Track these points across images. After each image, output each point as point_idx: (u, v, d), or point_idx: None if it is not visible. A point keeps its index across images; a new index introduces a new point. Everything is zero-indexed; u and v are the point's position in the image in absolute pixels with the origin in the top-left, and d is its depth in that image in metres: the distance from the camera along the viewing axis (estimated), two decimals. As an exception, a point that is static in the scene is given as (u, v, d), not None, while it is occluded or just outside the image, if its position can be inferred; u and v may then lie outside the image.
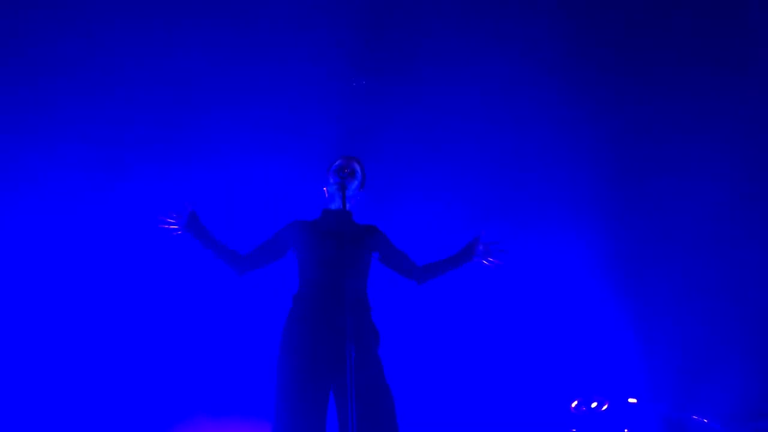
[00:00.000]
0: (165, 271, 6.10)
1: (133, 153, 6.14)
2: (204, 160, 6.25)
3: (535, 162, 6.51)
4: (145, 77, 6.11)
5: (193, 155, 6.23)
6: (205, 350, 6.09)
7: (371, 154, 4.99)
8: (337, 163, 4.37)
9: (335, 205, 4.34)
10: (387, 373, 4.13)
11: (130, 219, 6.10)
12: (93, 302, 6.01)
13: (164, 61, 6.10)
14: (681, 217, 6.36)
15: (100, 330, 6.00)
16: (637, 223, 6.45)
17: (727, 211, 6.29)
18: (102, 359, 5.94)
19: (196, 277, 6.10)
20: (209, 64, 6.11)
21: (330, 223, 4.31)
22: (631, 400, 6.07)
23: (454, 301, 6.30)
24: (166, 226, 4.19)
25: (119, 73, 6.08)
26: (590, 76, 6.34)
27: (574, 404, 6.16)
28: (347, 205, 4.24)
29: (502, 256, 4.33)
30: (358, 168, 4.38)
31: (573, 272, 6.43)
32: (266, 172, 6.25)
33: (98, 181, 6.10)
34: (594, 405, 6.12)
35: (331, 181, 4.32)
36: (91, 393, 5.88)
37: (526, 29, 6.26)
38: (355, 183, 4.32)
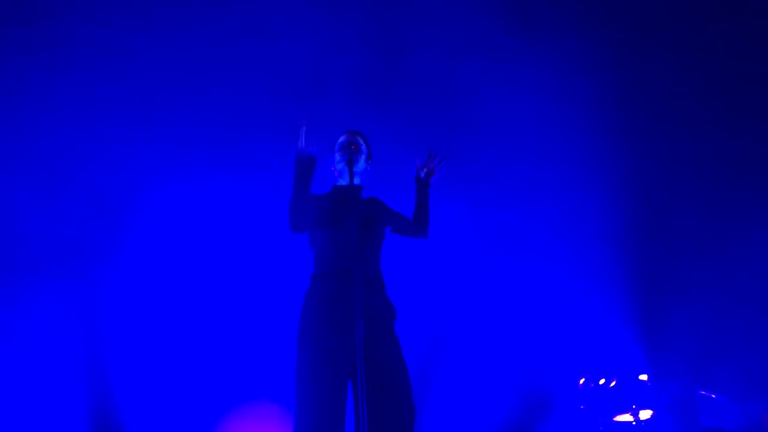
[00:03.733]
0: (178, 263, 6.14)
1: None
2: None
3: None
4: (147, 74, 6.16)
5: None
6: (230, 334, 6.11)
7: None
8: (341, 139, 4.38)
9: (344, 181, 4.33)
10: (404, 349, 4.15)
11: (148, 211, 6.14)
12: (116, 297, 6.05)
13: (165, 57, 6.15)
14: (687, 195, 6.42)
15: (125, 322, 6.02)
16: (647, 201, 6.48)
17: (736, 190, 6.36)
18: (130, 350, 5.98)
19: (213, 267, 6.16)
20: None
21: (341, 200, 4.29)
22: (642, 377, 6.08)
23: (465, 278, 6.35)
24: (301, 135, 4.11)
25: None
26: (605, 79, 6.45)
27: (581, 381, 6.17)
28: (356, 180, 4.27)
29: (442, 166, 4.45)
30: (362, 142, 4.40)
31: (584, 250, 6.46)
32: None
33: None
34: (602, 382, 6.13)
35: (338, 158, 4.35)
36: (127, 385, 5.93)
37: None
38: (362, 157, 4.35)
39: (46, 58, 6.09)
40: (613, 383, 6.12)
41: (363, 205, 4.34)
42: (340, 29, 6.37)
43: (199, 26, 6.26)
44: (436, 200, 4.57)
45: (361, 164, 4.33)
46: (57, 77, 6.08)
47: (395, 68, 6.50)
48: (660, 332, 6.33)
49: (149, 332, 5.99)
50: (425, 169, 4.47)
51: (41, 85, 6.07)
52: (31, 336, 5.87)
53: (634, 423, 5.92)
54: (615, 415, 6.02)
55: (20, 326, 5.87)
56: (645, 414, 5.94)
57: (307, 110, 6.12)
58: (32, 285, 5.93)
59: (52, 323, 5.90)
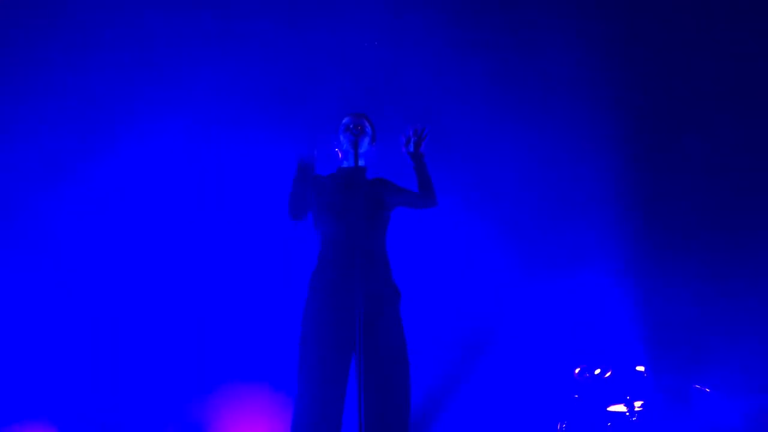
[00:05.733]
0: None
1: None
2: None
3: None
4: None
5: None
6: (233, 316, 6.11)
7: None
8: (345, 121, 4.42)
9: (349, 163, 4.41)
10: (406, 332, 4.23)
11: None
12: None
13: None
14: (688, 187, 6.43)
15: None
16: (647, 190, 6.49)
17: (740, 184, 6.38)
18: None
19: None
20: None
21: (345, 181, 4.35)
22: (639, 368, 6.11)
23: (463, 267, 6.37)
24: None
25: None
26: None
27: (577, 371, 6.19)
28: (361, 162, 4.30)
29: (426, 133, 4.43)
30: (367, 124, 4.43)
31: (582, 240, 6.46)
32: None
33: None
34: (597, 372, 6.15)
35: (343, 139, 4.39)
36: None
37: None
38: (367, 139, 4.38)
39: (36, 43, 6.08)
40: (608, 374, 6.14)
41: (368, 187, 4.37)
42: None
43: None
44: (441, 191, 4.56)
45: (365, 146, 4.37)
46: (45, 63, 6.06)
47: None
48: (657, 324, 6.34)
49: (144, 319, 5.99)
50: (411, 141, 4.45)
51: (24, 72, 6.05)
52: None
53: (627, 413, 5.95)
54: (609, 406, 6.04)
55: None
56: (639, 405, 5.96)
57: (306, 98, 6.17)
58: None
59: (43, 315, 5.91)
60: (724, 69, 6.50)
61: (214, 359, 6.00)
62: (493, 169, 6.49)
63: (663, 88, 6.55)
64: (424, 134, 4.43)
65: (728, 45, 6.49)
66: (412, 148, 4.44)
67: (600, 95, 6.47)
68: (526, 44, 6.54)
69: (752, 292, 6.29)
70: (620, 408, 6.00)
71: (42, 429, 5.70)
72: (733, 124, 6.47)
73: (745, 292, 6.29)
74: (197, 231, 6.14)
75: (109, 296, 6.00)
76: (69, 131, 6.07)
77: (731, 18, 6.51)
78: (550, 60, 6.52)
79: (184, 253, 6.10)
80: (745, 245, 6.39)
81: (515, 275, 6.41)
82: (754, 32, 6.49)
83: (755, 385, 6.13)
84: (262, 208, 6.10)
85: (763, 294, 6.28)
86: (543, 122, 6.51)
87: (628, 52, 6.53)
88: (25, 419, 5.71)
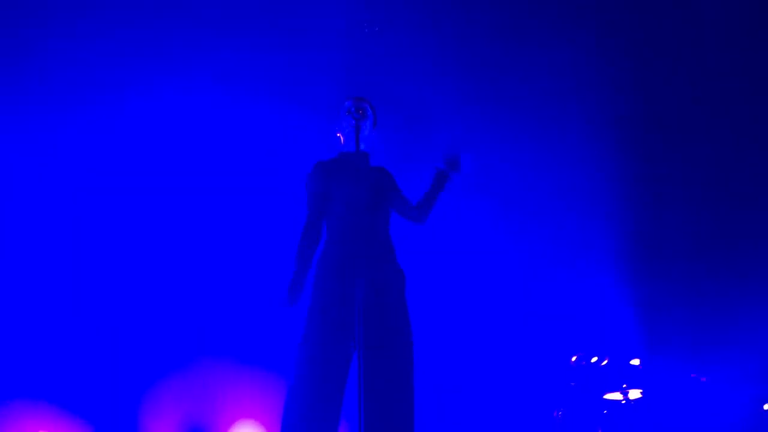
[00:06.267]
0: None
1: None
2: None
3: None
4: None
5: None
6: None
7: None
8: (347, 104, 4.38)
9: (350, 147, 4.39)
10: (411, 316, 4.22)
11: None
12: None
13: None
14: (691, 171, 6.45)
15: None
16: (648, 181, 6.51)
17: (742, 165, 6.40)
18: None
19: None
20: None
21: (348, 165, 4.34)
22: (634, 362, 6.14)
23: (461, 252, 6.38)
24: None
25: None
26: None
27: (573, 359, 6.21)
28: (362, 146, 4.28)
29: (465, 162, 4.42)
30: (368, 107, 4.40)
31: (580, 229, 6.48)
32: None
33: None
34: (594, 360, 6.18)
35: (344, 123, 4.36)
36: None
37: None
38: (368, 123, 4.35)
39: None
40: (605, 362, 6.16)
41: (371, 173, 4.38)
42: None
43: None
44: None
45: (367, 130, 4.35)
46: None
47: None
48: (655, 312, 6.36)
49: (138, 299, 5.98)
50: (449, 162, 4.40)
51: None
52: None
53: (623, 402, 5.98)
54: (605, 394, 6.07)
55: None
56: (635, 393, 6.00)
57: (304, 86, 6.17)
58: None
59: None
60: (727, 71, 6.52)
61: (211, 342, 6.00)
62: (494, 165, 6.50)
63: (665, 91, 6.58)
64: (462, 163, 4.39)
65: (731, 46, 6.52)
66: (443, 166, 4.40)
67: (605, 96, 6.50)
68: (529, 39, 6.54)
69: (750, 282, 6.32)
70: (616, 396, 6.04)
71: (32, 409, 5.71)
72: (733, 126, 6.50)
73: (743, 283, 6.32)
74: (191, 214, 6.12)
75: (102, 282, 5.98)
76: (63, 121, 6.05)
77: (734, 20, 6.52)
78: (555, 56, 6.53)
79: (178, 235, 6.08)
80: (742, 240, 6.43)
81: (514, 265, 6.44)
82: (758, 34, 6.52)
83: (751, 375, 6.16)
84: (257, 191, 6.11)
85: (761, 285, 6.32)
86: (547, 119, 6.53)
87: (633, 48, 6.55)
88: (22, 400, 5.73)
